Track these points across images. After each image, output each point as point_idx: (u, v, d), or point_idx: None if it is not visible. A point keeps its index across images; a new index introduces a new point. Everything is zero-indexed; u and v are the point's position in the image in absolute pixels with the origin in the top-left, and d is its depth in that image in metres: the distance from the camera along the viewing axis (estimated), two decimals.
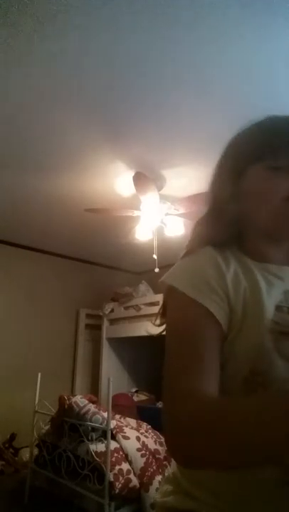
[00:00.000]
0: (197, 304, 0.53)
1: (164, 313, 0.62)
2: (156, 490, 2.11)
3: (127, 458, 2.20)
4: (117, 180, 2.63)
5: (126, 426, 2.53)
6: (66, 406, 2.40)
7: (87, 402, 2.45)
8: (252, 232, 0.63)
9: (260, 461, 0.42)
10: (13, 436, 3.34)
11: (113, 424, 2.35)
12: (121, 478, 2.05)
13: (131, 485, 2.07)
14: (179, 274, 0.59)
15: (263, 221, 0.60)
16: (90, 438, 2.24)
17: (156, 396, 3.86)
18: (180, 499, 0.57)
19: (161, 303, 0.64)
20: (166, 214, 2.69)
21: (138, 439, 2.36)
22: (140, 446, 2.30)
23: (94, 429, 2.28)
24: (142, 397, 3.78)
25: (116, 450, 2.20)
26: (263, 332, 0.54)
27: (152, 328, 0.66)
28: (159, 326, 0.64)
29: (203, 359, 0.50)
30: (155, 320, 0.65)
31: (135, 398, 3.71)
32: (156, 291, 3.87)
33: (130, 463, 2.18)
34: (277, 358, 0.53)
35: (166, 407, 0.49)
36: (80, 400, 2.45)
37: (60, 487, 2.30)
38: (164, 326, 0.63)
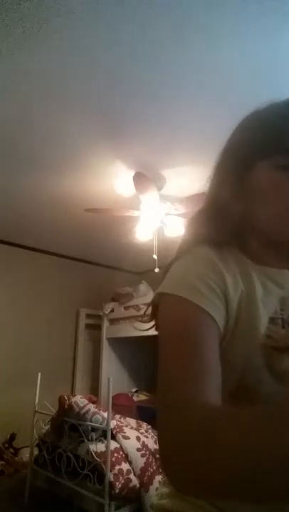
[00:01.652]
0: (196, 307, 0.48)
1: (154, 314, 0.59)
2: (156, 490, 2.11)
3: (127, 458, 2.20)
4: (117, 181, 2.63)
5: (126, 426, 2.53)
6: (66, 406, 2.40)
7: (87, 402, 2.45)
8: (254, 233, 0.57)
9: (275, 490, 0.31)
10: (13, 436, 3.34)
11: (113, 424, 2.35)
12: (121, 478, 2.05)
13: (131, 485, 2.07)
14: (174, 279, 0.53)
15: (267, 224, 0.55)
16: (90, 438, 2.24)
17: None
18: (175, 502, 0.57)
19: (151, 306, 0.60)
20: (166, 214, 2.69)
21: (138, 439, 2.35)
22: (140, 446, 2.30)
23: (94, 429, 2.28)
24: (142, 397, 3.78)
25: (116, 450, 2.20)
26: (253, 346, 0.50)
27: (140, 326, 0.64)
28: (149, 327, 0.61)
29: (205, 366, 0.44)
30: (142, 318, 0.61)
31: (135, 398, 3.71)
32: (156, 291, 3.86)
33: (130, 463, 2.18)
34: (267, 374, 0.50)
35: (161, 419, 0.42)
36: (80, 400, 2.44)
37: (60, 487, 2.30)
38: (150, 324, 0.60)
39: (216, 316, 0.48)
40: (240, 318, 0.51)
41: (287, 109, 0.54)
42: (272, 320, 0.52)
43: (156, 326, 0.58)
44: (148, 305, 0.61)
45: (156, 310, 0.57)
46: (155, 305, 0.58)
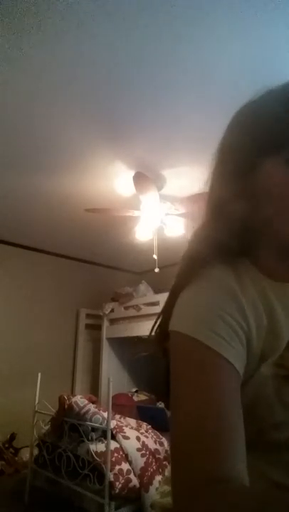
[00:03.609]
0: (216, 355, 0.41)
1: (160, 340, 0.53)
2: (156, 490, 2.11)
3: (127, 458, 2.20)
4: (117, 181, 2.63)
5: (126, 426, 2.53)
6: (66, 406, 2.40)
7: (87, 402, 2.45)
8: (267, 243, 0.49)
9: None
10: (13, 436, 3.34)
11: (113, 424, 2.35)
12: (121, 478, 2.05)
13: (131, 485, 2.07)
14: (189, 315, 0.46)
15: (284, 232, 0.46)
16: (90, 438, 2.24)
17: (156, 396, 3.87)
18: None
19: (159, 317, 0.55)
20: (166, 214, 2.69)
21: (138, 439, 2.35)
22: (140, 446, 2.30)
23: (94, 429, 2.28)
24: (142, 397, 3.78)
25: (116, 450, 2.20)
26: (264, 377, 0.46)
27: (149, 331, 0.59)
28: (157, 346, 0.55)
29: (228, 431, 0.38)
30: (148, 336, 0.56)
31: (135, 398, 3.71)
32: (156, 291, 3.87)
33: (130, 463, 2.17)
34: (278, 404, 0.47)
35: (178, 501, 0.37)
36: (80, 399, 2.44)
37: (60, 487, 2.30)
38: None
39: (238, 364, 0.43)
40: (262, 358, 0.46)
41: (284, 95, 0.48)
42: (287, 345, 0.47)
43: (163, 352, 0.53)
44: (152, 327, 0.56)
45: (164, 336, 0.51)
46: (163, 332, 0.52)
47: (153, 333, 0.57)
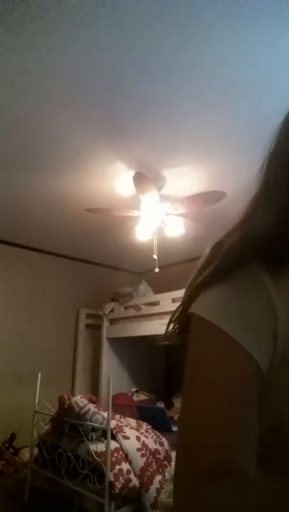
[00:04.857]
0: (241, 351, 0.40)
1: (182, 328, 0.52)
2: (156, 490, 2.11)
3: (127, 458, 2.20)
4: (117, 181, 2.63)
5: (126, 426, 2.53)
6: (66, 406, 2.40)
7: (87, 402, 2.45)
8: None
9: None
10: (13, 436, 3.34)
11: (113, 424, 2.35)
12: (121, 478, 2.05)
13: (131, 485, 2.07)
14: (219, 304, 0.44)
15: None
16: (90, 438, 2.24)
17: (156, 396, 3.87)
18: None
19: (178, 311, 0.53)
20: (166, 214, 2.69)
21: (138, 438, 2.35)
22: (140, 446, 2.30)
23: (94, 429, 2.28)
24: (142, 397, 3.78)
25: (116, 450, 2.20)
26: None
27: (155, 329, 0.58)
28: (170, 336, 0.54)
29: (242, 430, 0.38)
30: (167, 327, 0.54)
31: (135, 398, 3.71)
32: (156, 291, 3.87)
33: (130, 463, 2.17)
34: None
35: (179, 492, 0.37)
36: (80, 399, 2.45)
37: (60, 487, 2.30)
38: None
39: (262, 362, 0.41)
40: (283, 360, 0.42)
41: None
42: None
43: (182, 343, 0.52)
44: (173, 314, 0.54)
45: (186, 322, 0.49)
46: (183, 323, 0.51)
47: (171, 326, 0.55)
